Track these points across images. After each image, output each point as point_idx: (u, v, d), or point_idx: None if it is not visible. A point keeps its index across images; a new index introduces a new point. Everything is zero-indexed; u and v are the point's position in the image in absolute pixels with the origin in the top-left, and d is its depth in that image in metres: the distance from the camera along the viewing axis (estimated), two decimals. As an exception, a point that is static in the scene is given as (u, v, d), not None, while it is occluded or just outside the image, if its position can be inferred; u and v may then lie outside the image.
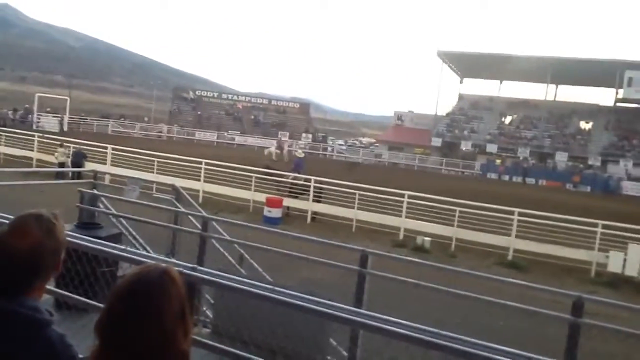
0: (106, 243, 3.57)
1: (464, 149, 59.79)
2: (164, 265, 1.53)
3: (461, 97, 68.74)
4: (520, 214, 15.57)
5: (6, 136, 25.73)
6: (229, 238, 6.64)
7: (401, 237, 16.45)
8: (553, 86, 64.74)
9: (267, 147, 46.14)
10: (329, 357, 5.14)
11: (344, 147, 64.40)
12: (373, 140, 75.70)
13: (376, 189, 17.84)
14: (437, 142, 60.52)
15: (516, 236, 15.33)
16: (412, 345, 2.60)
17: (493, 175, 51.06)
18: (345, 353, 5.12)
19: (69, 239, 3.46)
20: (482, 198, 19.64)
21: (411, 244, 15.47)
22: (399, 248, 14.92)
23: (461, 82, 69.46)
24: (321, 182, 18.93)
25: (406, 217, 16.83)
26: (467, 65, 65.04)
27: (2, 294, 1.66)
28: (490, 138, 60.28)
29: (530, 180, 49.19)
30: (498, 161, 55.29)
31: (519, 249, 15.21)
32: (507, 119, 64.26)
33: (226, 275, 3.02)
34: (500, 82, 67.28)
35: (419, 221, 16.57)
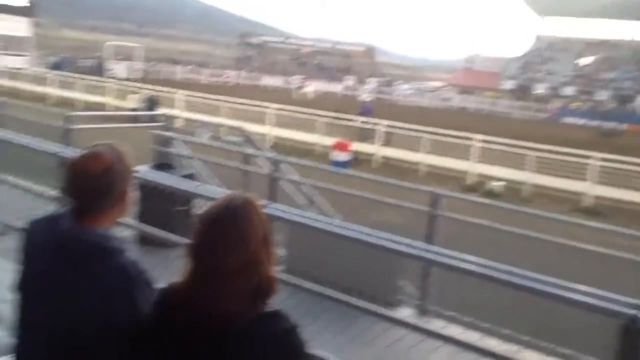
0: (182, 179, 3.63)
1: (538, 92, 57.27)
2: (246, 194, 1.60)
3: (537, 38, 65.44)
4: (598, 159, 14.86)
5: (82, 84, 26.70)
6: (299, 179, 6.67)
7: (470, 182, 16.11)
8: (635, 23, 60.35)
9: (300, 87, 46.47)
10: (399, 297, 5.13)
11: (410, 91, 63.02)
12: (441, 84, 73.65)
13: (445, 133, 17.44)
14: (509, 85, 58.23)
15: (594, 182, 14.68)
16: (484, 285, 2.53)
17: (569, 120, 48.76)
18: (414, 297, 5.11)
19: (146, 177, 3.54)
20: (557, 142, 18.86)
21: (481, 189, 15.13)
22: (468, 193, 14.64)
23: (536, 21, 65.97)
24: (389, 126, 18.68)
25: (476, 161, 16.43)
26: (544, 3, 61.49)
27: (75, 221, 1.72)
28: (567, 80, 57.43)
29: (610, 125, 46.69)
30: (574, 104, 52.67)
31: (597, 194, 14.58)
32: (585, 60, 60.75)
33: (300, 211, 3.01)
34: (579, 21, 63.38)
35: (490, 165, 16.14)
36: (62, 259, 1.69)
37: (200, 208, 6.01)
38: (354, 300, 2.84)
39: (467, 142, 16.92)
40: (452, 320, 4.62)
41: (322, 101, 36.47)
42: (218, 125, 10.98)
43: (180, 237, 3.41)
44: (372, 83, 61.87)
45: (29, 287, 1.79)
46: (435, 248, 3.10)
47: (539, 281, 2.39)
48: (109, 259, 1.70)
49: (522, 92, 57.29)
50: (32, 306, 1.78)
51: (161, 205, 4.86)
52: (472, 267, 2.53)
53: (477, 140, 16.80)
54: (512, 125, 35.18)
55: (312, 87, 47.05)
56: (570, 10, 59.78)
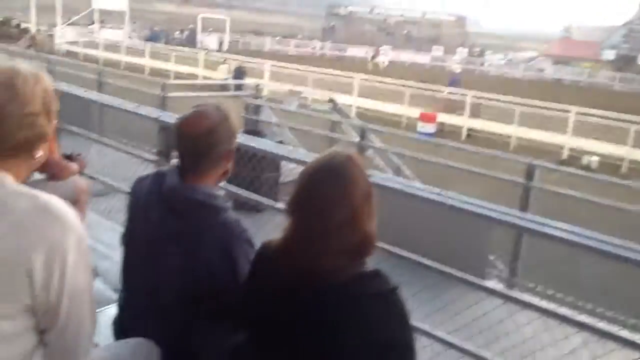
0: (275, 144, 3.68)
1: (642, 62, 53.32)
2: (349, 151, 1.58)
3: (642, 4, 60.73)
4: None
5: (175, 55, 27.64)
6: (387, 147, 6.62)
7: (565, 156, 15.36)
8: None
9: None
10: (488, 270, 5.01)
11: (501, 62, 60.44)
12: (535, 54, 70.09)
13: (538, 105, 16.66)
14: (609, 55, 54.58)
15: None
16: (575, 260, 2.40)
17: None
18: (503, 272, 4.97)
19: (239, 141, 3.61)
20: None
21: (577, 164, 14.40)
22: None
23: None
24: (478, 97, 18.08)
25: (571, 134, 15.62)
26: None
27: (180, 178, 1.78)
28: (676, 49, 53.03)
29: None
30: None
31: None
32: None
33: (395, 178, 2.98)
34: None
35: (586, 139, 15.30)
36: (167, 215, 1.76)
37: (288, 175, 6.15)
38: (445, 268, 2.77)
39: (562, 115, 16.09)
40: (542, 295, 4.47)
41: (400, 71, 35.76)
42: (305, 95, 11.04)
43: (272, 201, 3.47)
44: (461, 53, 59.90)
45: (134, 242, 1.89)
46: (529, 216, 2.98)
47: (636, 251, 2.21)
48: (212, 216, 1.75)
49: (624, 62, 53.54)
50: (136, 260, 1.87)
51: (250, 172, 4.98)
52: (569, 236, 2.40)
53: (573, 112, 15.93)
54: (612, 97, 33.03)
55: (386, 57, 46.37)
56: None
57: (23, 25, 37.96)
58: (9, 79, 1.22)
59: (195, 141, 1.76)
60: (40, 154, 1.32)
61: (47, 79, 1.34)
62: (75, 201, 3.06)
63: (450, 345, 2.67)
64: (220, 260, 1.73)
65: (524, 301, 2.98)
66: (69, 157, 3.14)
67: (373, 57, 46.00)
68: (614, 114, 15.81)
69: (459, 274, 2.86)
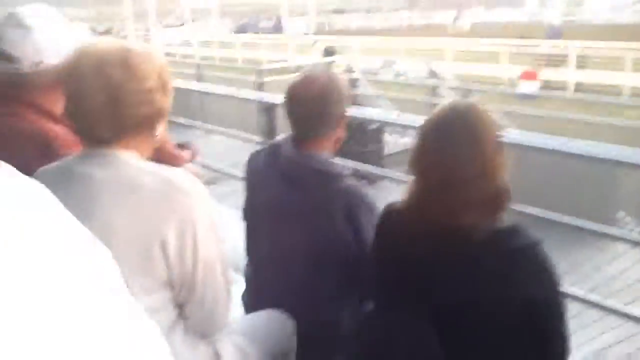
0: (380, 111, 3.61)
1: None
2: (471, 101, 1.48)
3: None
4: None
5: (265, 43, 28.15)
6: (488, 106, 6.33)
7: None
8: None
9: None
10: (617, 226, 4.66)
11: (605, 7, 56.01)
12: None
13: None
14: None
15: None
16: None
17: None
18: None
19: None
20: None
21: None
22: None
23: None
24: (581, 47, 16.91)
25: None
26: None
27: (295, 148, 1.76)
28: None
29: None
30: None
31: None
32: None
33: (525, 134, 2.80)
34: None
35: None
36: (286, 185, 1.75)
37: (393, 147, 6.05)
38: (580, 222, 2.58)
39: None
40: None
41: (493, 31, 34.09)
42: (399, 64, 10.84)
43: (385, 170, 3.40)
44: (558, 4, 56.20)
45: (256, 215, 1.89)
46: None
47: None
48: (331, 183, 1.72)
49: None
50: (260, 233, 1.88)
51: (353, 147, 4.93)
52: None
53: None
54: None
55: (468, 19, 44.36)
56: None
57: (122, 34, 40.20)
58: (124, 58, 1.23)
59: (309, 104, 1.73)
60: (160, 130, 1.33)
61: (160, 55, 1.34)
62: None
63: (591, 304, 2.49)
64: (345, 227, 1.70)
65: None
66: (182, 146, 3.26)
67: (456, 20, 44.44)
68: None
69: (592, 225, 2.67)
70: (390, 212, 1.53)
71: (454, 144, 1.34)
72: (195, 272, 1.24)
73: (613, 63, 15.84)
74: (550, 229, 2.92)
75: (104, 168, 1.22)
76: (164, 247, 1.19)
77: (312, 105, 1.72)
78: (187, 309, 1.29)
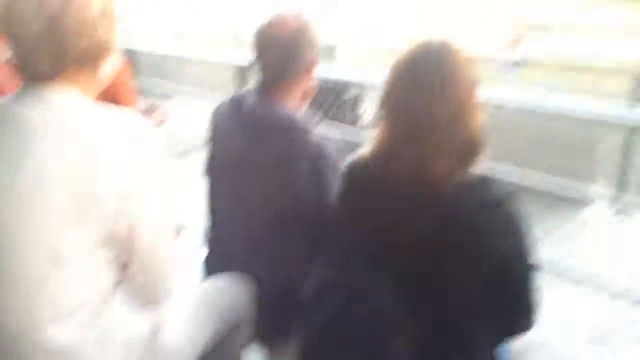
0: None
1: None
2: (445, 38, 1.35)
3: None
4: None
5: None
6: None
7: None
8: None
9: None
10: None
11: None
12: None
13: None
14: None
15: None
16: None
17: None
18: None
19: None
20: None
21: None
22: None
23: None
24: None
25: None
26: None
27: (262, 98, 1.67)
28: None
29: None
30: None
31: None
32: None
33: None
34: None
35: None
36: (248, 138, 1.66)
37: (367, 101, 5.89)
38: (558, 182, 2.51)
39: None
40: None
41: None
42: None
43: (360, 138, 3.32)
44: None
45: (218, 171, 1.79)
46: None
47: None
48: (296, 136, 1.63)
49: None
50: (222, 191, 1.78)
51: (327, 116, 4.84)
52: None
53: None
54: None
55: None
56: None
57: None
58: None
59: (281, 44, 1.64)
60: (106, 70, 1.22)
61: None
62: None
63: (563, 273, 2.46)
64: (310, 183, 1.62)
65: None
66: (148, 110, 3.11)
67: None
68: None
69: (570, 184, 2.60)
70: (355, 164, 1.43)
71: (424, 84, 1.25)
72: (136, 234, 1.14)
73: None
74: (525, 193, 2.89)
75: (40, 109, 1.11)
76: (99, 203, 1.08)
77: (283, 46, 1.64)
78: (128, 272, 1.20)
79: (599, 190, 4.68)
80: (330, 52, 6.85)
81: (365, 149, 1.39)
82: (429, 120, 1.23)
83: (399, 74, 1.29)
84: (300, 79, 1.69)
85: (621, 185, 4.13)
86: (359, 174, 1.40)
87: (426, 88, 1.24)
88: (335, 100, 5.33)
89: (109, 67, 1.23)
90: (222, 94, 4.69)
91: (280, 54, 1.64)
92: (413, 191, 1.26)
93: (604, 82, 5.85)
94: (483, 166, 1.29)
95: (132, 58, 4.57)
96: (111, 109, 1.16)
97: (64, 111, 1.12)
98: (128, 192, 1.11)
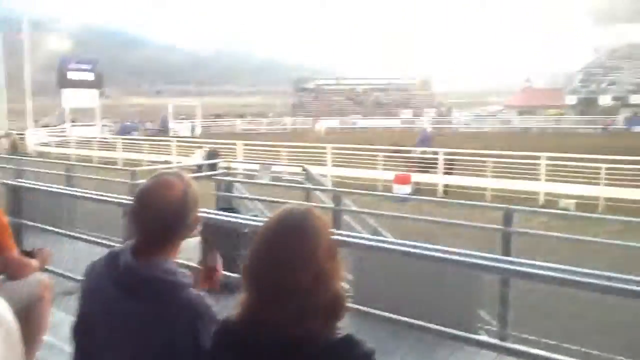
0: (246, 217, 3.61)
1: (602, 104, 55.24)
2: (304, 206, 1.47)
3: (596, 49, 63.56)
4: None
5: (148, 145, 27.84)
6: (360, 210, 6.57)
7: (541, 201, 15.49)
8: None
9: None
10: (478, 325, 4.86)
11: (469, 118, 61.95)
12: (500, 107, 72.17)
13: (509, 154, 16.96)
14: (571, 100, 56.55)
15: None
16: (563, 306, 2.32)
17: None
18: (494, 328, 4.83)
19: (210, 216, 3.54)
20: (630, 153, 17.93)
21: (554, 208, 14.49)
22: (541, 213, 14.01)
23: (595, 31, 64.29)
24: (449, 154, 18.36)
25: (545, 180, 15.84)
26: (603, 12, 60.14)
27: (136, 256, 1.66)
28: (634, 89, 55.13)
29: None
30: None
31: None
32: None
33: (365, 235, 2.90)
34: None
35: (560, 183, 15.50)
36: (123, 296, 1.63)
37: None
38: (432, 326, 2.64)
39: (533, 162, 16.37)
40: (536, 344, 4.34)
41: (371, 137, 36.35)
42: (277, 168, 11.09)
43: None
44: (430, 114, 61.39)
45: (90, 331, 1.73)
46: (513, 259, 2.91)
47: (632, 282, 2.13)
48: (172, 293, 1.62)
49: (586, 105, 55.42)
50: (93, 351, 1.73)
51: (225, 250, 4.85)
52: (556, 274, 2.32)
53: (544, 158, 16.24)
54: (579, 140, 33.84)
55: (323, 125, 49.80)
56: (630, 15, 58.11)
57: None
58: None
59: (164, 213, 1.64)
60: None
61: None
62: (38, 299, 2.92)
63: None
64: (182, 341, 1.58)
65: (517, 350, 2.86)
66: (29, 254, 3.01)
67: (314, 125, 48.68)
68: (584, 156, 16.12)
69: (447, 330, 2.75)
70: (225, 326, 1.46)
71: (286, 250, 1.32)
72: None
73: (476, 168, 17.28)
74: (413, 329, 2.99)
75: None
76: None
77: (167, 213, 1.65)
78: None
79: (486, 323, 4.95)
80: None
81: (233, 314, 1.43)
82: (290, 284, 1.29)
83: (264, 238, 1.37)
84: (182, 239, 1.72)
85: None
86: (229, 338, 1.43)
87: (288, 253, 1.32)
88: (231, 236, 5.36)
89: None
90: (112, 234, 4.61)
91: (164, 222, 1.65)
92: (277, 354, 1.30)
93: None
94: (346, 325, 1.37)
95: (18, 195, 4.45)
96: None
97: None
98: None
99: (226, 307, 1.78)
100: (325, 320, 1.32)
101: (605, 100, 55.33)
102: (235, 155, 22.65)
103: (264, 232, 1.39)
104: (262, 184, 7.70)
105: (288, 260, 1.31)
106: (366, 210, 6.62)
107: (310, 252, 1.32)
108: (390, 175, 17.83)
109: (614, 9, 57.80)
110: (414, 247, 2.55)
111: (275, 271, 1.32)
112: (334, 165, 19.92)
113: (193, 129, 48.02)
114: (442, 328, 2.69)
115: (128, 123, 50.74)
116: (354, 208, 6.57)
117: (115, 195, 4.13)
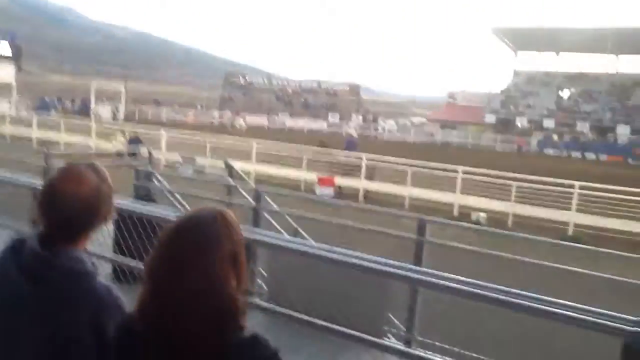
0: (160, 206, 3.56)
1: (519, 125, 58.22)
2: (220, 208, 1.44)
3: (516, 73, 66.77)
4: (581, 187, 15.00)
5: (66, 125, 26.62)
6: (281, 210, 6.60)
7: (456, 213, 16.13)
8: (614, 57, 61.78)
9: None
10: (385, 328, 5.02)
11: (394, 127, 63.54)
12: (424, 120, 74.50)
13: (429, 166, 17.53)
14: (490, 119, 59.18)
15: (577, 210, 14.77)
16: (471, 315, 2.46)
17: (551, 151, 49.61)
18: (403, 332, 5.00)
19: (126, 207, 3.47)
20: (540, 173, 19.01)
21: (466, 220, 15.12)
22: (455, 224, 14.58)
23: (515, 56, 67.46)
24: (373, 160, 18.75)
25: (460, 193, 16.50)
26: (522, 40, 63.17)
27: (45, 244, 1.60)
28: (547, 113, 58.44)
29: (590, 155, 47.53)
30: (555, 136, 53.59)
31: (580, 223, 14.66)
32: (565, 93, 61.95)
33: (282, 236, 2.94)
34: (557, 55, 64.94)
35: (474, 197, 16.21)
36: (27, 285, 1.56)
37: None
38: (340, 329, 2.72)
39: (451, 175, 17.03)
40: (440, 351, 4.52)
41: (298, 137, 36.54)
42: (200, 161, 10.94)
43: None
44: (356, 119, 62.44)
45: None
46: (422, 269, 3.03)
47: (533, 299, 2.31)
48: (78, 282, 1.58)
49: (504, 125, 58.17)
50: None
51: (140, 240, 4.76)
52: (461, 286, 2.46)
53: (460, 172, 16.92)
54: (495, 157, 35.49)
55: (243, 121, 51.61)
56: (547, 45, 61.43)
57: None
58: None
59: (74, 211, 1.59)
60: None
61: None
62: None
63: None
64: (87, 332, 1.54)
65: (421, 356, 2.99)
66: None
67: (233, 121, 50.08)
68: (498, 172, 16.92)
69: (353, 332, 2.84)
70: (127, 319, 1.44)
71: (182, 250, 1.32)
72: None
73: (397, 176, 17.76)
74: (323, 330, 3.05)
75: None
76: None
77: (77, 210, 1.60)
78: None
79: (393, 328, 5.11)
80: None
81: (132, 312, 1.41)
82: (184, 284, 1.29)
83: (165, 238, 1.36)
84: (95, 231, 1.68)
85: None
86: (130, 334, 1.40)
87: (185, 255, 1.31)
88: (148, 228, 5.26)
89: None
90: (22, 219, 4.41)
91: (76, 214, 1.60)
92: (174, 355, 1.30)
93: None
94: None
95: None
96: None
97: None
98: None
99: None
100: (222, 324, 1.31)
101: (521, 122, 58.27)
102: (158, 144, 22.11)
103: (167, 229, 1.37)
104: (182, 177, 7.56)
105: (181, 261, 1.30)
106: (285, 210, 6.65)
107: (205, 255, 1.31)
108: (314, 176, 18.01)
109: (534, 37, 60.71)
110: (330, 251, 2.62)
111: (169, 270, 1.31)
112: (257, 162, 19.83)
113: (115, 113, 46.40)
114: (348, 330, 2.77)
115: (46, 100, 48.42)
116: (275, 207, 6.59)
117: (25, 178, 3.95)
